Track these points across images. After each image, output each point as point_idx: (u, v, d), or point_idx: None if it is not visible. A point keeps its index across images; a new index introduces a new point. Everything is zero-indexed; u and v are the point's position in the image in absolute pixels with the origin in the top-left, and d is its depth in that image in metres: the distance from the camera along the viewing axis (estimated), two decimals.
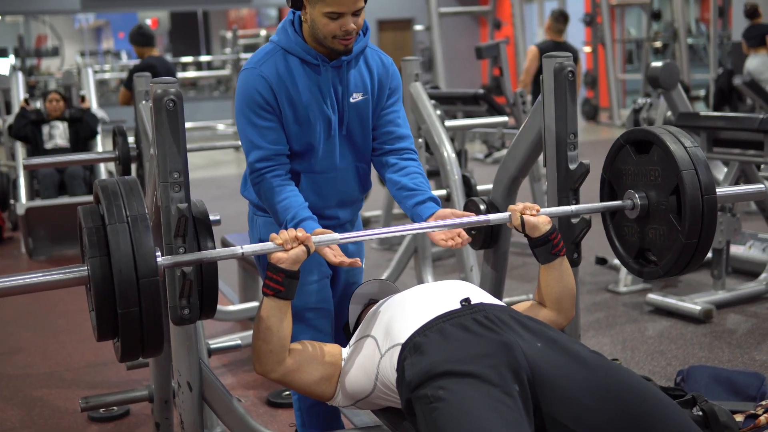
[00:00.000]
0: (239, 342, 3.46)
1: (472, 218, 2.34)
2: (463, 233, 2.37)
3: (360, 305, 2.48)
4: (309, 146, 2.44)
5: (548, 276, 2.29)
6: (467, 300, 2.07)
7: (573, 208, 2.39)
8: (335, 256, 2.22)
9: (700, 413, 2.77)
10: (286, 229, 2.14)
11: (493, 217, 2.34)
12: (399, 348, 2.02)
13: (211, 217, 2.41)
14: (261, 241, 2.53)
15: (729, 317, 4.22)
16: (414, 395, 1.90)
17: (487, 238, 2.88)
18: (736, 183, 4.45)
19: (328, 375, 2.19)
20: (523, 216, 2.24)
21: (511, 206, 2.31)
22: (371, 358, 2.11)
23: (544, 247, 2.26)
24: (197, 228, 2.11)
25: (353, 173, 2.55)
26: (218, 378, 3.62)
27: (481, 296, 2.13)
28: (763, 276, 4.57)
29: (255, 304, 4.05)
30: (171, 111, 2.06)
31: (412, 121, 3.91)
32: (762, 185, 2.60)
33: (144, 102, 3.43)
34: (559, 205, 2.48)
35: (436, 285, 2.26)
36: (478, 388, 1.83)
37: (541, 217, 2.25)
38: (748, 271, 4.79)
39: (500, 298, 3.02)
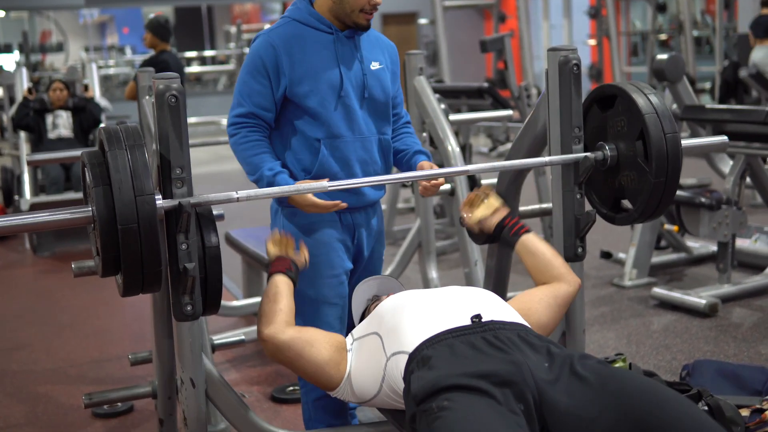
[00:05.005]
0: (243, 337, 3.45)
1: (444, 170, 2.58)
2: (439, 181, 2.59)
3: (364, 300, 2.47)
4: (323, 106, 2.50)
5: (524, 255, 2.39)
6: (478, 317, 2.06)
7: (546, 159, 2.46)
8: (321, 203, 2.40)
9: (706, 408, 2.76)
10: (261, 178, 2.42)
11: (472, 167, 2.54)
12: (406, 357, 2.01)
13: (215, 212, 2.42)
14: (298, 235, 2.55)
15: (735, 311, 4.20)
16: (419, 409, 1.89)
17: (490, 233, 2.87)
18: (742, 177, 4.42)
19: (336, 360, 2.17)
20: (467, 226, 2.46)
21: (463, 206, 2.51)
22: (377, 358, 2.09)
23: (503, 235, 2.41)
24: (201, 223, 2.11)
25: (376, 143, 2.60)
26: (222, 374, 3.65)
27: (491, 312, 2.10)
28: None
29: (259, 299, 4.03)
30: (173, 107, 2.05)
31: (416, 116, 3.89)
32: (724, 136, 2.70)
33: (147, 97, 3.42)
34: (564, 199, 2.48)
35: (448, 293, 2.24)
36: (483, 402, 1.82)
37: (491, 208, 2.46)
38: (753, 264, 4.77)
39: (504, 294, 3.02)
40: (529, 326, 2.12)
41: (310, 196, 2.39)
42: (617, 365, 3.13)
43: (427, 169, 2.60)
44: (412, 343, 2.01)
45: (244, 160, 2.50)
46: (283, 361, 2.21)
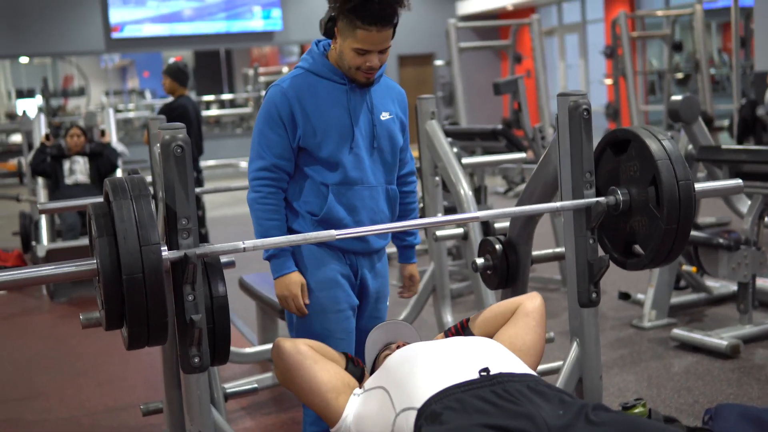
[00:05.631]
0: (256, 385, 3.40)
1: (456, 216, 2.71)
2: (414, 287, 2.85)
3: (376, 348, 2.45)
4: (334, 156, 2.54)
5: (486, 331, 2.43)
6: (486, 370, 2.03)
7: (558, 204, 2.44)
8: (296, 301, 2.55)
9: None
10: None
11: (483, 214, 2.51)
12: (414, 413, 1.97)
13: (225, 259, 2.41)
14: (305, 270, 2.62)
15: (757, 352, 4.12)
16: None
17: (503, 278, 2.85)
18: (761, 217, 4.37)
19: (337, 389, 2.17)
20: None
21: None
22: (385, 413, 2.06)
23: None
24: (208, 272, 2.10)
25: (383, 193, 2.64)
26: (236, 422, 3.61)
27: (499, 364, 2.08)
28: None
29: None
30: (179, 157, 2.05)
31: (429, 159, 3.88)
32: (739, 180, 2.65)
33: (158, 145, 3.42)
34: (577, 245, 2.47)
35: (455, 346, 2.22)
36: None
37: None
38: None
39: None
40: (537, 376, 2.09)
41: (296, 290, 2.54)
42: (637, 410, 3.08)
43: (415, 279, 2.87)
44: (420, 398, 1.98)
45: (257, 222, 2.56)
46: (282, 368, 2.22)
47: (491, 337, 2.37)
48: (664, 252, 2.37)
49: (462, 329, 2.42)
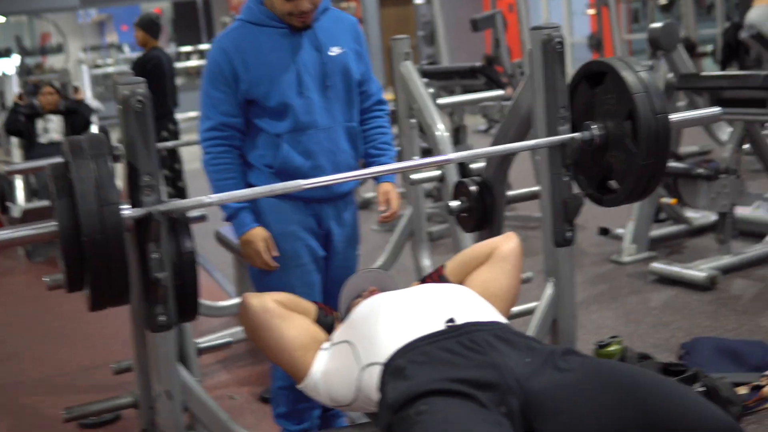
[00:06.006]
0: (230, 339, 3.37)
1: (430, 159, 2.44)
2: (392, 204, 2.65)
3: (350, 297, 2.37)
4: (283, 104, 2.45)
5: (460, 275, 2.33)
6: (452, 320, 1.97)
7: (532, 142, 2.37)
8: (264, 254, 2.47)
9: (703, 389, 2.69)
10: (227, 207, 2.46)
11: (456, 156, 2.44)
12: (380, 368, 1.93)
13: (197, 213, 2.34)
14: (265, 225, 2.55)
15: (735, 282, 4.10)
16: (396, 417, 1.81)
17: (479, 220, 2.79)
18: (741, 144, 4.30)
19: (305, 345, 2.12)
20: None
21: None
22: (350, 368, 2.01)
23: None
24: (175, 228, 2.05)
25: (343, 132, 2.55)
26: (212, 376, 3.58)
27: (465, 313, 2.02)
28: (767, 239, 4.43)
29: None
30: (139, 112, 1.98)
31: (404, 102, 3.78)
32: (718, 107, 2.57)
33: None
34: (552, 183, 2.41)
35: (421, 296, 2.15)
36: (463, 404, 1.74)
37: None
38: (754, 232, 4.64)
39: None
40: (505, 323, 2.03)
41: (261, 246, 2.47)
42: (612, 348, 3.06)
43: (390, 195, 2.66)
44: (385, 353, 1.94)
45: (213, 183, 2.50)
46: (249, 327, 2.17)
47: (466, 281, 2.30)
48: (641, 187, 2.32)
49: (438, 277, 2.35)
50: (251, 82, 2.44)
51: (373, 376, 1.94)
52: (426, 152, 4.64)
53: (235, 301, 4.11)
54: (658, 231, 4.87)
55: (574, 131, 2.38)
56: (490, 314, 2.06)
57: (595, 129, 2.33)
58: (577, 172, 2.47)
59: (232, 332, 3.84)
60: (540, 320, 2.49)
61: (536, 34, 2.36)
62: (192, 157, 10.11)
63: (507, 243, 2.33)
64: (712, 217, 4.93)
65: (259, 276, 2.60)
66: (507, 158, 2.78)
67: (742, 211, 4.67)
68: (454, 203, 2.83)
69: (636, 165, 2.25)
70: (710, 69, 9.46)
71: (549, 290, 2.50)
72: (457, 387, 1.77)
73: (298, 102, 2.46)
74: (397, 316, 2.04)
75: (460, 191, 2.84)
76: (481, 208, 2.77)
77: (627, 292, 4.15)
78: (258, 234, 2.50)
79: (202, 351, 3.29)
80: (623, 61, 2.31)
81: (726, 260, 4.23)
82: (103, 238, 1.80)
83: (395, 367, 1.89)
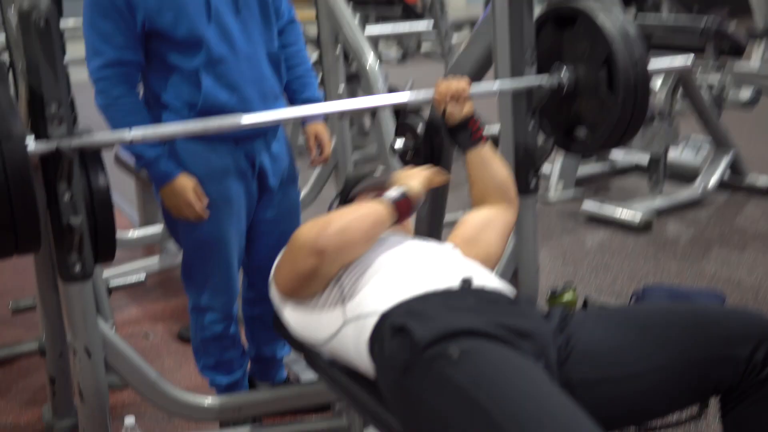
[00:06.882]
0: (142, 277, 3.05)
1: (366, 100, 2.15)
2: (324, 147, 2.43)
3: (369, 187, 2.00)
4: (194, 33, 2.07)
5: (477, 167, 1.99)
6: (468, 281, 1.65)
7: (495, 86, 2.12)
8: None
9: None
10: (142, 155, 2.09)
11: (411, 97, 2.04)
12: (376, 318, 1.57)
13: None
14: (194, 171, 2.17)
15: (669, 225, 4.01)
16: (426, 356, 1.43)
17: (426, 161, 2.52)
18: (675, 89, 4.19)
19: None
20: (446, 109, 1.98)
21: (440, 83, 2.01)
22: (332, 316, 1.66)
23: (463, 134, 1.99)
24: (86, 164, 1.74)
25: (265, 57, 2.21)
26: (117, 314, 3.23)
27: (482, 278, 1.70)
28: (698, 181, 4.37)
29: (159, 227, 3.58)
30: (43, 31, 1.64)
31: (328, 29, 3.41)
32: (688, 55, 2.40)
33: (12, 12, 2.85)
34: (516, 130, 2.21)
35: (432, 253, 1.78)
36: (514, 354, 1.42)
37: (466, 106, 1.99)
38: (680, 174, 4.57)
39: (441, 220, 2.71)
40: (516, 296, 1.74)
41: (190, 196, 2.12)
42: (566, 296, 2.89)
43: (322, 137, 2.44)
44: (386, 302, 1.59)
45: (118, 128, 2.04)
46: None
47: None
48: (614, 139, 2.14)
49: None
50: (150, 10, 2.04)
51: (363, 331, 1.59)
52: (351, 78, 4.32)
53: (144, 232, 3.72)
54: (582, 170, 4.73)
55: (539, 73, 2.17)
56: (502, 287, 1.76)
57: (565, 74, 2.14)
58: (541, 116, 2.27)
59: (143, 265, 3.49)
60: (501, 271, 2.30)
61: None
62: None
63: (517, 212, 2.03)
64: (634, 157, 4.84)
65: (182, 228, 2.26)
66: None
67: (672, 154, 4.59)
68: (399, 143, 2.55)
69: (612, 116, 2.09)
70: None
71: (511, 239, 2.30)
72: (500, 332, 1.46)
73: (211, 29, 2.09)
74: (403, 271, 1.68)
75: (404, 129, 2.56)
76: (429, 149, 2.51)
77: (560, 231, 3.99)
78: (185, 183, 2.13)
79: (112, 290, 2.98)
80: (599, 2, 2.11)
81: (658, 203, 4.13)
82: (4, 179, 1.49)
83: (409, 311, 1.54)
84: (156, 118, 2.14)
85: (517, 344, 1.45)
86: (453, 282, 1.63)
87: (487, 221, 1.95)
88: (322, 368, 1.74)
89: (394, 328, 1.52)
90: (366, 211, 1.69)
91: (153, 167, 2.12)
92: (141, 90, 2.20)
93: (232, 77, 2.13)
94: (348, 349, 1.64)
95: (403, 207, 1.72)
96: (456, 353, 1.39)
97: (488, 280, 1.70)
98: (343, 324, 1.64)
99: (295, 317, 1.74)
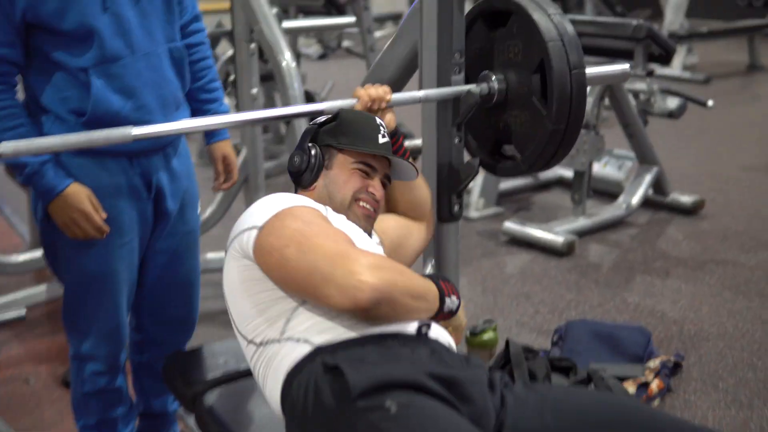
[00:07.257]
0: (23, 313, 2.73)
1: (283, 111, 1.88)
2: (232, 170, 2.23)
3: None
4: (84, 25, 1.79)
5: (396, 185, 1.85)
6: (428, 326, 1.53)
7: (420, 94, 1.91)
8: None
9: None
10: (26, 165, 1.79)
11: (328, 106, 1.81)
12: (307, 349, 1.46)
13: None
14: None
15: (591, 248, 3.87)
16: (356, 406, 1.34)
17: None
18: (601, 98, 4.05)
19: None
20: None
21: (359, 91, 1.82)
22: (275, 327, 1.52)
23: None
24: None
25: (167, 56, 1.95)
26: (3, 350, 2.93)
27: (437, 331, 1.57)
28: (621, 199, 4.24)
29: None
30: None
31: (243, 22, 3.15)
32: (626, 64, 2.22)
33: None
34: (440, 145, 2.00)
35: None
36: (450, 413, 1.36)
37: (387, 116, 1.82)
38: (603, 190, 4.42)
39: None
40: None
41: (86, 205, 1.85)
42: (486, 336, 2.72)
43: (230, 159, 2.23)
44: (324, 337, 1.47)
45: None
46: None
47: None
48: (546, 157, 1.93)
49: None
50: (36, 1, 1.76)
51: (295, 352, 1.47)
52: (265, 78, 4.04)
53: (30, 256, 3.40)
54: (504, 184, 4.56)
55: (467, 83, 1.97)
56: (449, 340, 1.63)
57: (495, 82, 1.94)
58: (467, 131, 2.07)
59: (27, 294, 3.19)
60: None
61: None
62: None
63: (429, 233, 1.93)
64: (557, 171, 4.71)
65: (66, 259, 1.98)
66: None
67: (597, 169, 4.45)
68: None
69: (544, 129, 1.88)
70: None
71: (431, 270, 2.11)
72: (441, 391, 1.39)
73: (104, 21, 1.81)
74: None
75: None
76: None
77: (479, 254, 3.82)
78: (79, 190, 1.85)
79: None
80: (534, 0, 1.90)
81: (581, 223, 3.99)
82: None
83: (350, 354, 1.43)
84: (37, 126, 1.85)
85: (456, 405, 1.39)
86: (409, 327, 1.51)
87: (407, 233, 1.86)
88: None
89: (327, 366, 1.41)
90: (430, 297, 1.54)
91: (38, 177, 1.83)
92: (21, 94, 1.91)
93: (127, 79, 1.86)
94: (268, 366, 1.51)
95: (441, 317, 1.57)
96: (393, 407, 1.32)
97: (443, 336, 1.57)
98: (279, 337, 1.50)
99: (246, 305, 1.56)
